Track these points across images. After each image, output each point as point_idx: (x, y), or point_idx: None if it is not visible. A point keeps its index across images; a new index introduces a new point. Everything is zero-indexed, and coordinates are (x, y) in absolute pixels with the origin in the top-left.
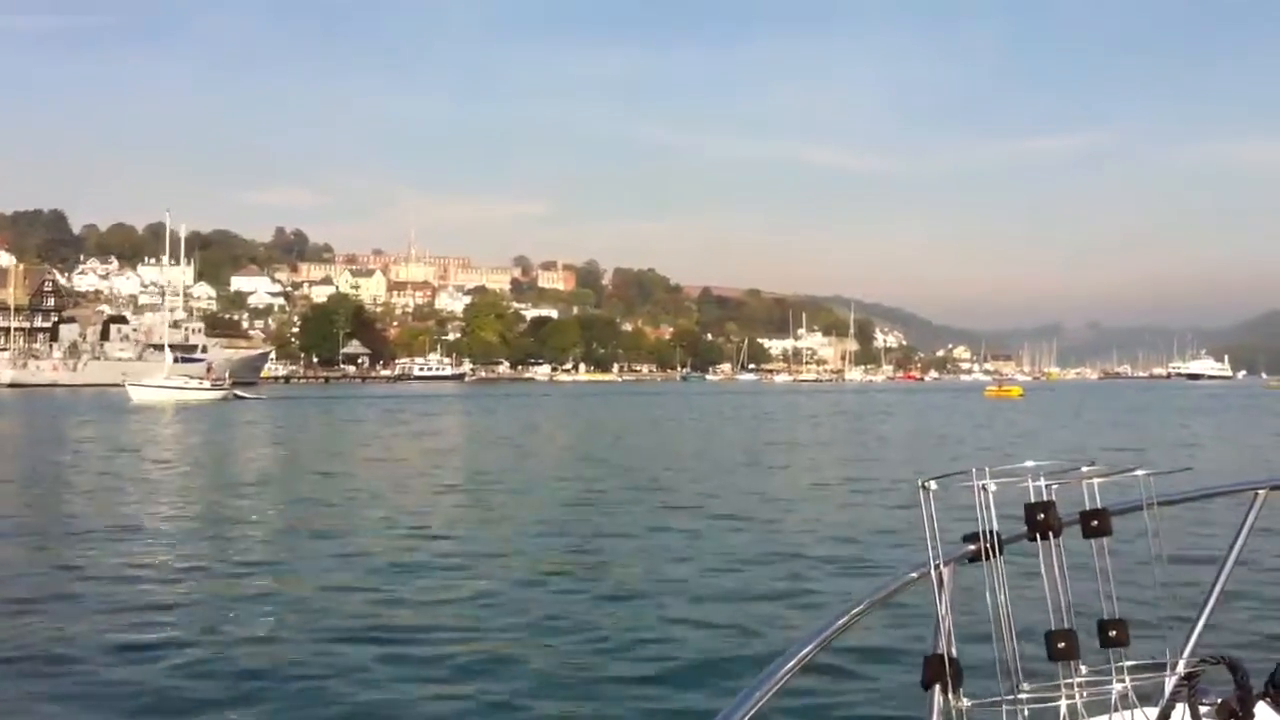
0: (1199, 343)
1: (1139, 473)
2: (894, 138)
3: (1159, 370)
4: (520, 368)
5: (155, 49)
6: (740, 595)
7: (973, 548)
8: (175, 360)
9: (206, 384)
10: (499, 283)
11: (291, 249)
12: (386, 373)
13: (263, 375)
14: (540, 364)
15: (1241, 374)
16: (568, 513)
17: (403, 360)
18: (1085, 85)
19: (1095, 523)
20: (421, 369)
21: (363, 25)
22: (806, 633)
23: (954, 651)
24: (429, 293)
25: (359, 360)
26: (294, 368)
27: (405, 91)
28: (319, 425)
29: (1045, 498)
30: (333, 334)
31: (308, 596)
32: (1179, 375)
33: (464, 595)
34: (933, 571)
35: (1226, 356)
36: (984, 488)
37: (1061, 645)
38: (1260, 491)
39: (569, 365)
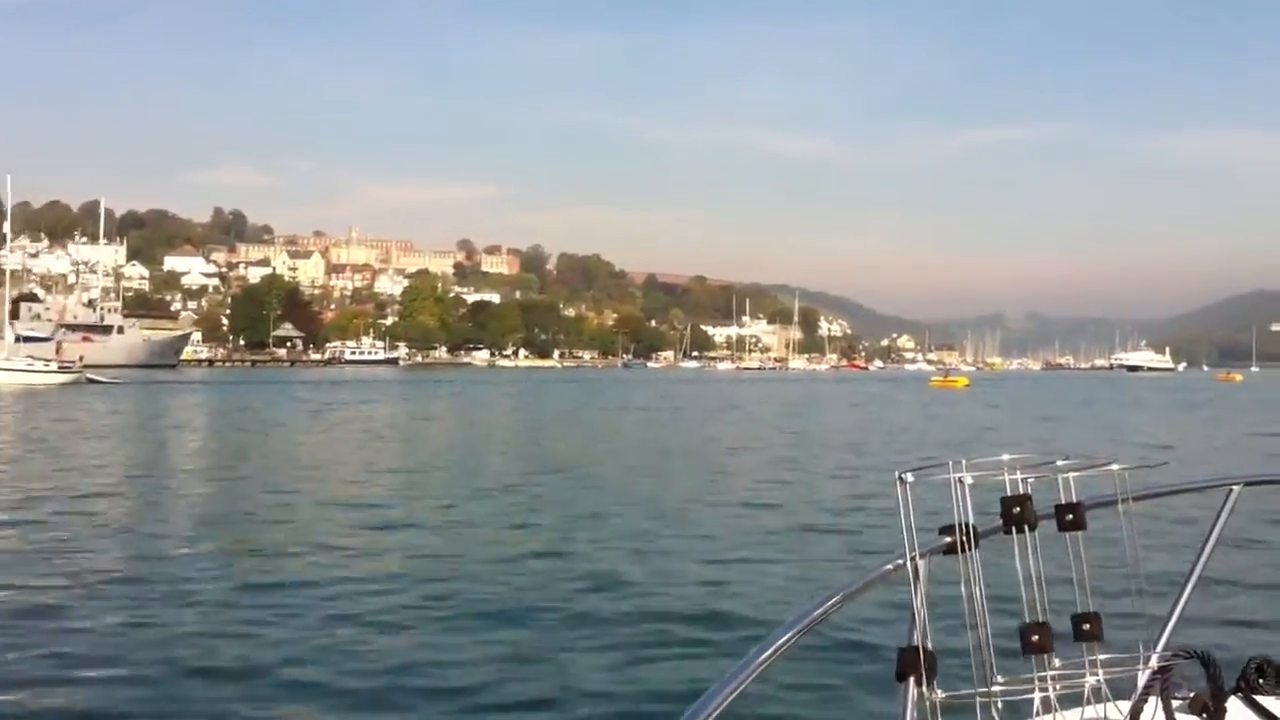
0: (1140, 334)
1: (1114, 467)
2: (843, 128)
3: (1101, 361)
4: (458, 353)
5: (99, 27)
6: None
7: (948, 540)
8: (17, 340)
9: (54, 366)
10: (442, 266)
11: (230, 230)
12: (317, 357)
13: (184, 358)
14: (479, 349)
15: (1182, 366)
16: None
17: (334, 344)
18: (1029, 80)
19: (1070, 516)
20: (353, 353)
21: (312, 6)
22: (783, 623)
23: (928, 643)
24: (369, 276)
25: (291, 343)
26: (220, 350)
27: (354, 74)
28: (176, 414)
29: (1021, 491)
30: (263, 316)
31: None
32: (1120, 367)
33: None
34: (908, 564)
35: (1168, 348)
36: (960, 480)
37: (1035, 638)
38: (1234, 487)
39: (509, 351)
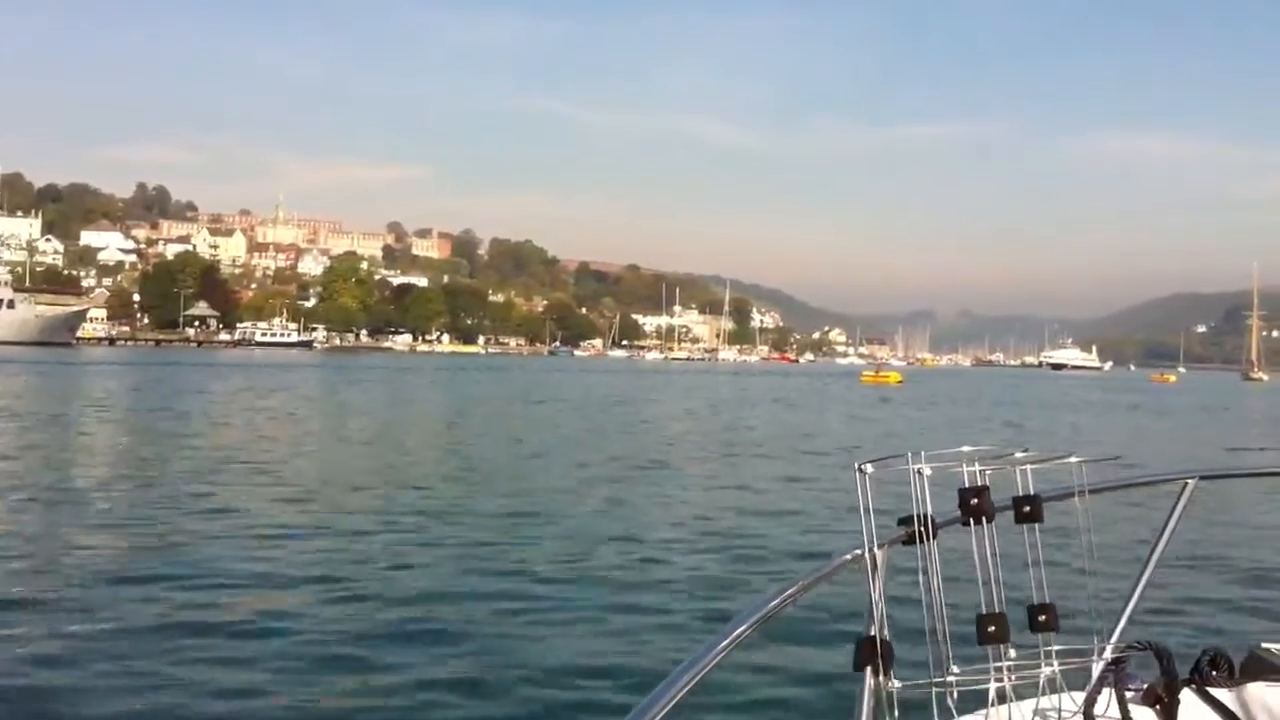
0: (1067, 333)
1: (1071, 460)
2: (779, 120)
3: (1031, 359)
4: (379, 337)
5: None
6: None
7: (907, 531)
8: None
9: None
10: (371, 249)
11: (153, 206)
12: (226, 337)
13: (82, 335)
14: (401, 334)
15: (1109, 365)
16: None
17: (244, 325)
18: (964, 78)
19: (1027, 508)
20: (264, 335)
21: None
22: (740, 613)
23: (886, 634)
24: (293, 256)
25: (204, 323)
26: (124, 328)
27: (289, 52)
28: None
29: (979, 483)
30: (175, 294)
31: None
32: (1047, 364)
33: None
34: (866, 554)
35: (1095, 347)
36: (919, 471)
37: (991, 629)
38: (1189, 481)
39: (432, 336)
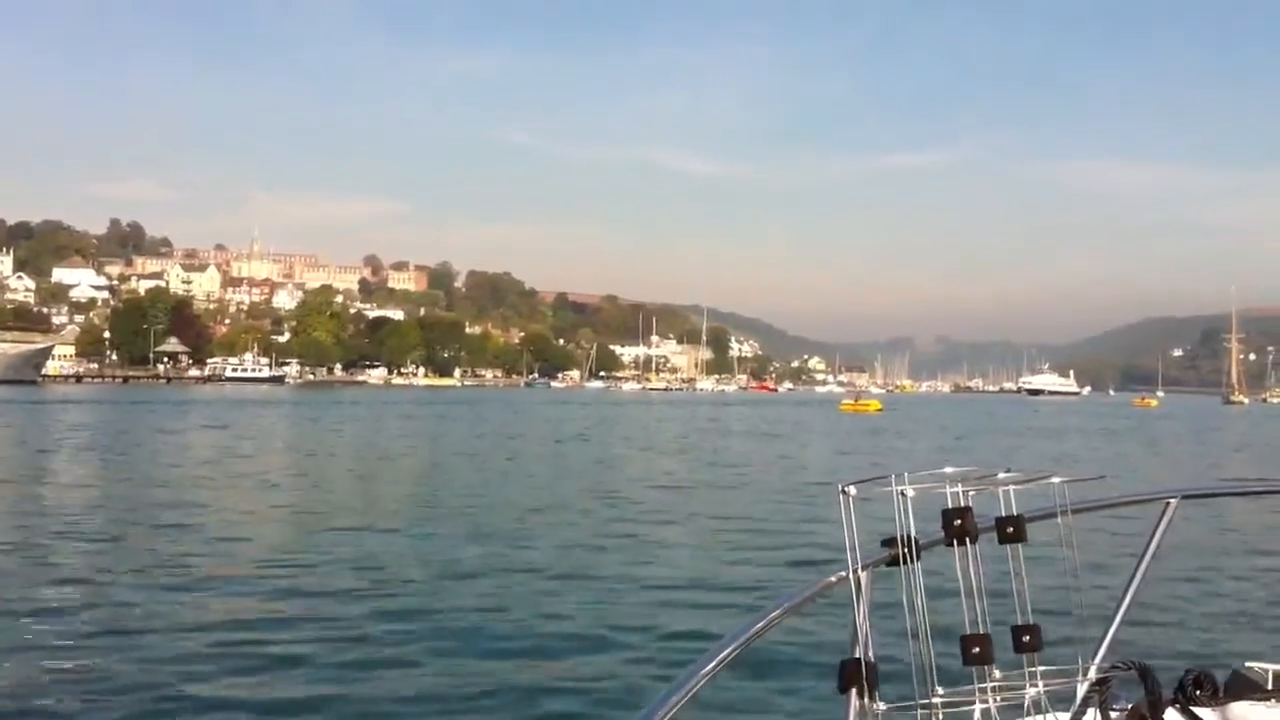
0: (1046, 358)
1: (1054, 480)
2: (754, 149)
3: (1009, 385)
4: (353, 371)
5: None
6: None
7: (891, 552)
8: None
9: None
10: (347, 282)
11: (127, 242)
12: (196, 373)
13: (49, 373)
14: (377, 367)
15: (1087, 389)
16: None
17: (214, 360)
18: (937, 105)
19: (1011, 529)
20: (234, 370)
21: (220, 16)
22: (725, 636)
23: (871, 655)
24: (267, 290)
25: (176, 359)
26: (92, 365)
27: (263, 87)
28: None
29: (962, 503)
30: (145, 330)
31: None
32: (1024, 390)
33: None
34: (851, 576)
35: (1072, 371)
36: (902, 493)
37: (976, 650)
38: (1172, 500)
39: (408, 369)
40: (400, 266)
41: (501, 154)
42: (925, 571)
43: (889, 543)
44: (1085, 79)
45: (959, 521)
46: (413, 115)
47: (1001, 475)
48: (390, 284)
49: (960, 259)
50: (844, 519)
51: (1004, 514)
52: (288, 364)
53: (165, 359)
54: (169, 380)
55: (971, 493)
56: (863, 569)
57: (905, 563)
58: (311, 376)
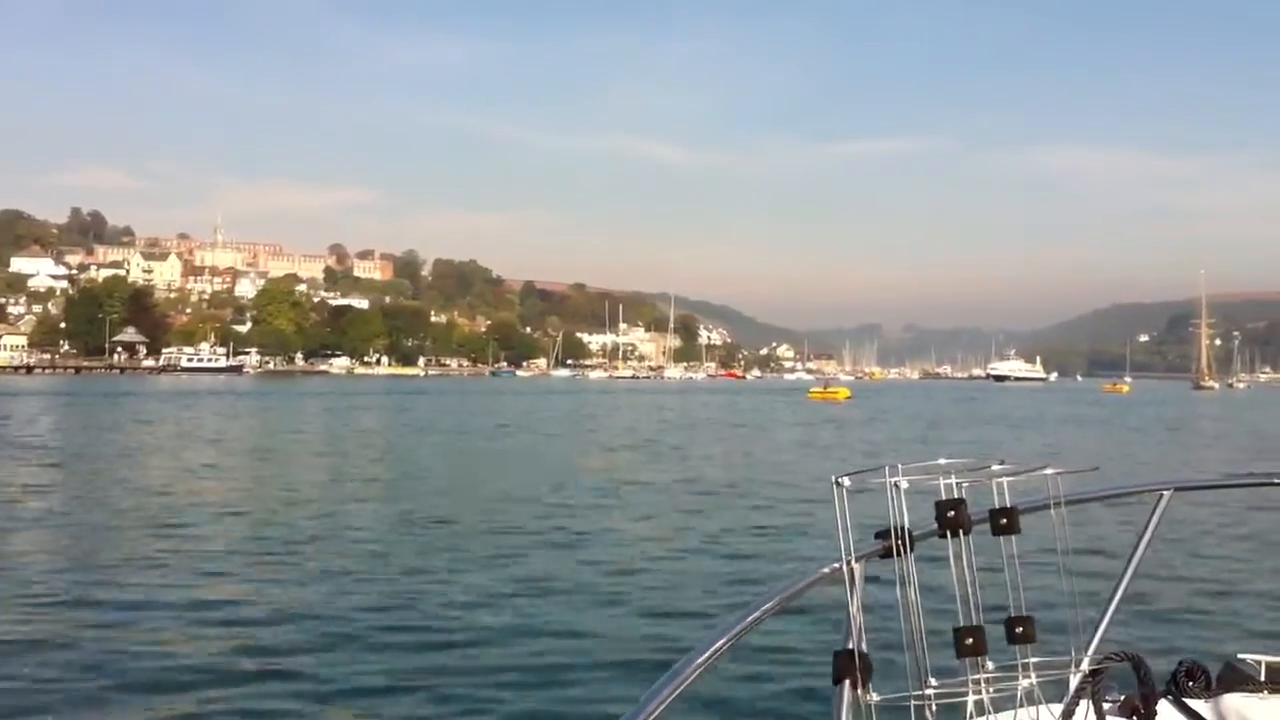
0: (1014, 344)
1: (1048, 472)
2: (725, 137)
3: (978, 371)
4: (315, 360)
5: None
6: None
7: (884, 544)
8: None
9: None
10: (312, 271)
11: (88, 232)
12: (151, 363)
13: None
14: (339, 356)
15: (1054, 375)
16: None
17: (169, 350)
18: (906, 94)
19: (1004, 520)
20: (190, 360)
21: (188, 3)
22: (719, 626)
23: (864, 647)
24: (230, 279)
25: (134, 349)
26: (45, 356)
27: (230, 75)
28: None
29: (956, 495)
30: (101, 320)
31: None
32: (990, 376)
33: None
34: (844, 567)
35: (1038, 358)
36: (896, 485)
37: (969, 641)
38: (1165, 492)
39: (371, 358)
40: (366, 255)
41: (471, 143)
42: (919, 563)
43: (883, 534)
44: (1056, 66)
45: (952, 513)
46: (382, 104)
47: (995, 467)
48: (356, 273)
49: (929, 246)
50: (837, 510)
51: (998, 506)
52: (247, 353)
53: (121, 349)
54: (123, 371)
55: (965, 484)
56: (856, 560)
57: (899, 554)
58: (271, 366)
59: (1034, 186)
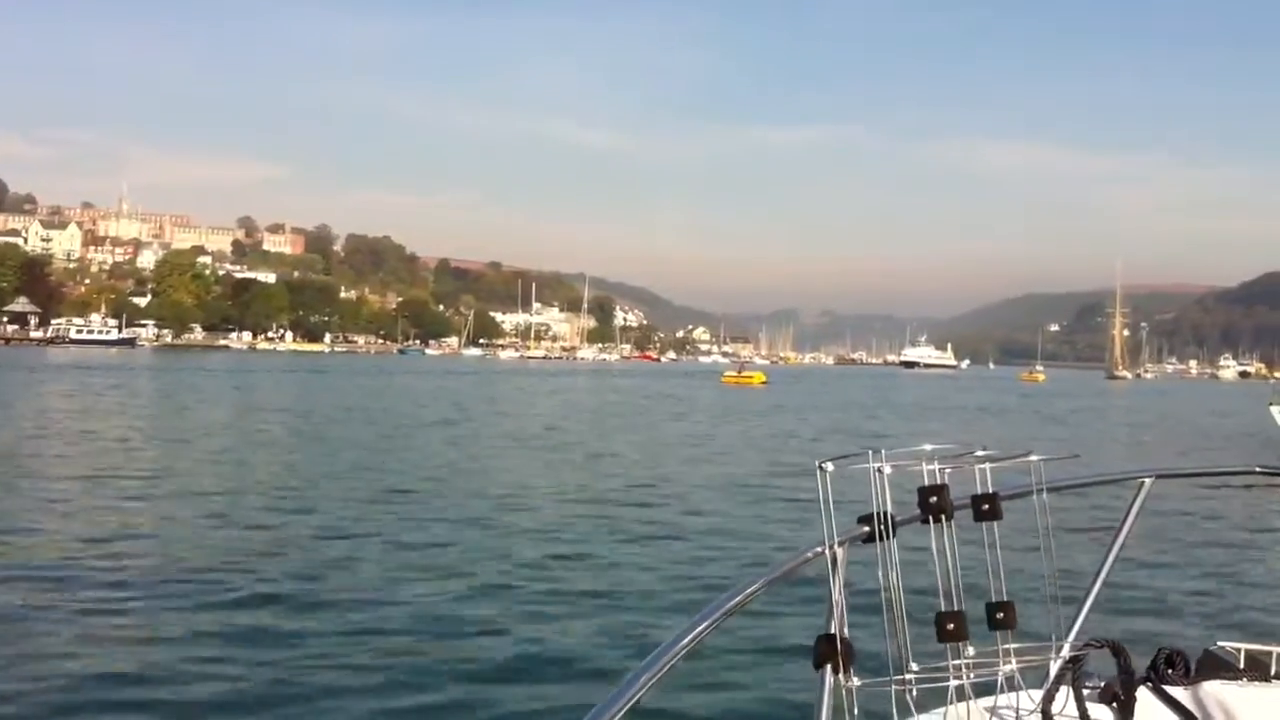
0: (928, 332)
1: (1031, 458)
2: (647, 120)
3: (892, 357)
4: (215, 335)
5: None
6: None
7: (866, 529)
8: None
9: None
10: (220, 244)
11: None
12: (39, 335)
13: None
14: (241, 331)
15: (965, 363)
16: None
17: (58, 321)
18: (827, 84)
19: (986, 506)
20: (79, 331)
21: None
22: (701, 610)
23: (846, 632)
24: (132, 250)
25: (25, 320)
26: None
27: (143, 45)
28: None
29: (938, 481)
30: None
31: None
32: (900, 363)
33: None
34: (827, 552)
35: (950, 345)
36: (879, 470)
37: (950, 627)
38: (1146, 480)
39: (274, 334)
40: (276, 229)
41: (388, 120)
42: (901, 549)
43: (865, 519)
44: (971, 60)
45: (935, 499)
46: (297, 79)
47: (978, 453)
48: (265, 246)
49: (847, 233)
50: (820, 495)
51: (980, 492)
52: (143, 326)
53: (9, 320)
54: (8, 342)
55: (948, 470)
56: (838, 545)
57: (881, 539)
58: (170, 340)
59: (953, 178)
